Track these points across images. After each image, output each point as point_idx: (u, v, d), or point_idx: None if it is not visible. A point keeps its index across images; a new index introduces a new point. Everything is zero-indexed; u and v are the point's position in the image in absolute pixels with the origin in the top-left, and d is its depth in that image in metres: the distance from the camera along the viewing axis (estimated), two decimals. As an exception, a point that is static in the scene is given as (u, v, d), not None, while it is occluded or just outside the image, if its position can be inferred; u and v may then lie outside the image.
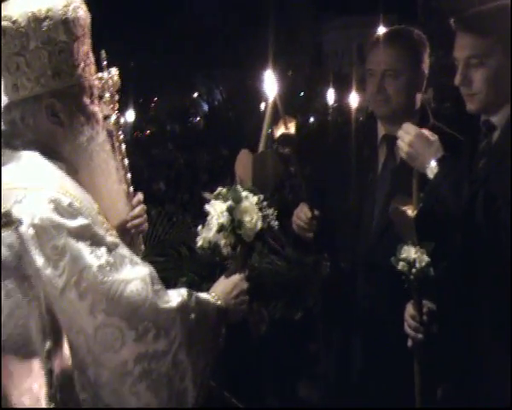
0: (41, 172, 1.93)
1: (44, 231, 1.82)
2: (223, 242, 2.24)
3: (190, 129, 21.16)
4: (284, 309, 2.93)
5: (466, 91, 2.49)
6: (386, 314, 2.71)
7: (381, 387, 2.81)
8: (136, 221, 2.46)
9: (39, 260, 1.82)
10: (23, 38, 1.95)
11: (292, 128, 2.77)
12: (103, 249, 1.89)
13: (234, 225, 2.22)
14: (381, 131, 3.07)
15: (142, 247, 2.54)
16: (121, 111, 2.51)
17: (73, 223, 1.86)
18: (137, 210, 2.46)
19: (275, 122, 2.58)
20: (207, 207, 2.27)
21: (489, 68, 2.43)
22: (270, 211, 2.28)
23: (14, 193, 1.87)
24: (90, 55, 2.09)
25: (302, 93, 20.11)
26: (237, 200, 2.24)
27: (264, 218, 2.26)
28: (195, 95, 24.38)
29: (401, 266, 2.32)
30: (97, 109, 2.11)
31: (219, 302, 2.16)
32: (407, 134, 2.41)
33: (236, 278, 2.24)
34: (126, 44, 22.33)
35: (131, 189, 2.47)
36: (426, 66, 3.02)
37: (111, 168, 2.17)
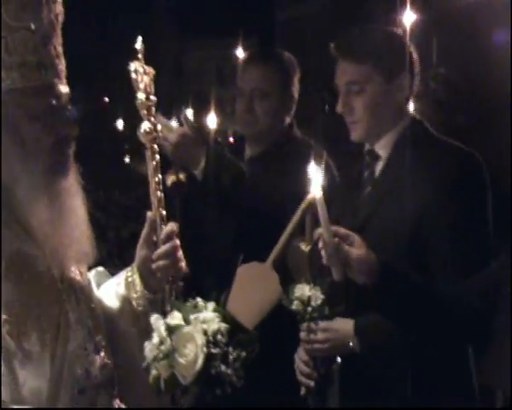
0: None
1: None
2: (153, 373, 1.64)
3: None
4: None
5: (348, 119, 2.42)
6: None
7: None
8: (161, 262, 1.88)
9: None
10: None
11: (182, 176, 2.67)
12: None
13: (168, 353, 1.63)
14: (248, 152, 3.02)
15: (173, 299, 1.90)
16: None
17: None
18: (164, 248, 1.88)
19: None
20: (152, 319, 1.71)
21: (369, 95, 2.38)
22: (232, 353, 1.63)
23: None
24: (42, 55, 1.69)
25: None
26: (185, 318, 1.66)
27: (211, 358, 1.61)
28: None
29: (295, 305, 2.14)
30: (35, 129, 1.68)
31: None
32: None
33: None
34: None
35: (163, 214, 1.90)
36: (295, 89, 3.01)
37: (44, 206, 1.71)
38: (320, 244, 1.95)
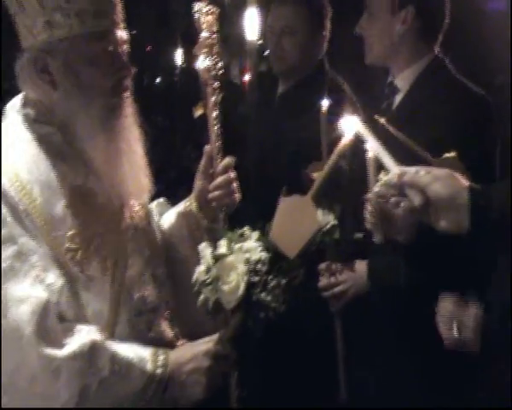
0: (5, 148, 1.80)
1: None
2: (202, 297, 1.78)
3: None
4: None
5: (366, 41, 2.61)
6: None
7: None
8: (217, 193, 2.09)
9: None
10: None
11: None
12: (12, 250, 1.68)
13: (213, 280, 1.75)
14: (280, 89, 3.21)
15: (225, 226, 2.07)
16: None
17: None
18: (220, 179, 2.08)
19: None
20: (200, 247, 1.82)
21: (377, 18, 2.53)
22: (272, 281, 1.70)
23: None
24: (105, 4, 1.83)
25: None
26: (229, 247, 1.76)
27: (251, 286, 1.70)
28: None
29: None
30: (92, 73, 1.82)
31: (159, 370, 1.76)
32: None
33: (202, 350, 1.80)
34: None
35: (220, 147, 2.08)
36: (325, 27, 3.15)
37: (104, 143, 1.87)
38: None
